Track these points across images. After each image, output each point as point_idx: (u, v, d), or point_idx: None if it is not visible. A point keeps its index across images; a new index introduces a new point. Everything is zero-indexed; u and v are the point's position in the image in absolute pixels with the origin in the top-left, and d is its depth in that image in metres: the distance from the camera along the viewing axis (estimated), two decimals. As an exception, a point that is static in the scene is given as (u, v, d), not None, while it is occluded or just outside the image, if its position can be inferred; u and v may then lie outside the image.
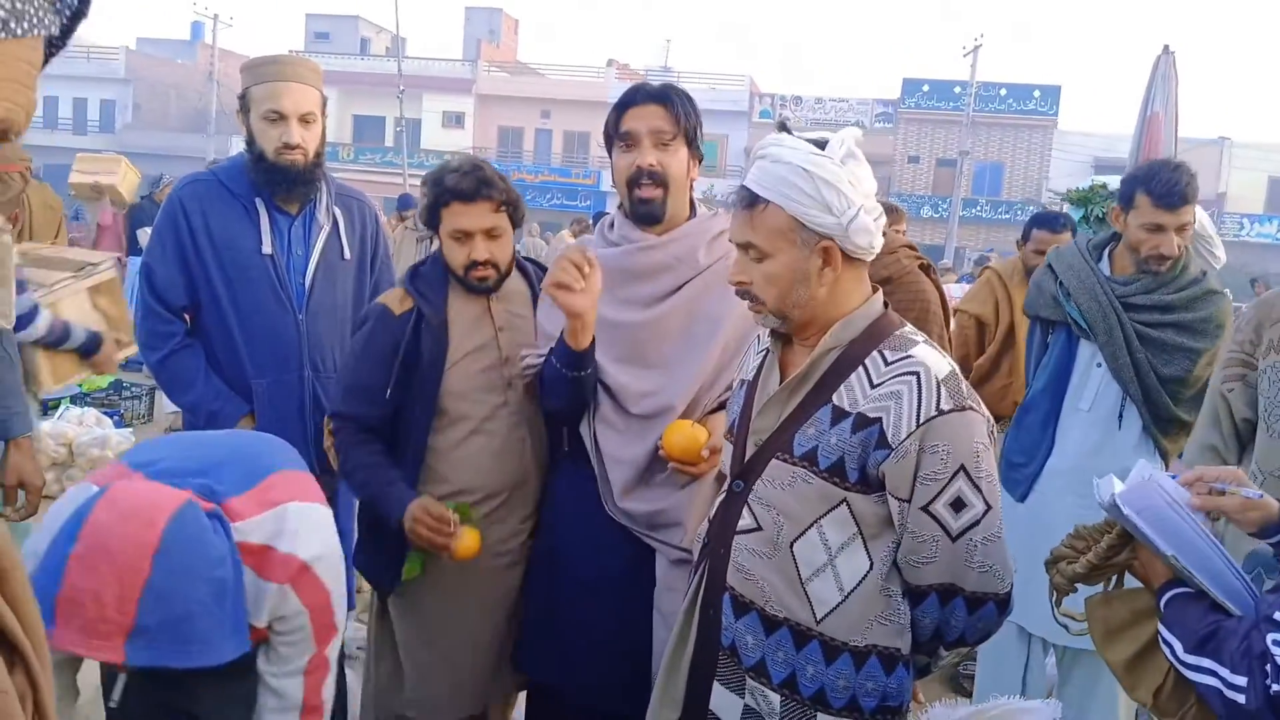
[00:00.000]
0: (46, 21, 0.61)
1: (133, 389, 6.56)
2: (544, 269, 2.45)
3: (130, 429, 5.73)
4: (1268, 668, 1.28)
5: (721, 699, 1.60)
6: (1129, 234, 2.66)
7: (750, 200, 1.55)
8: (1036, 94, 32.80)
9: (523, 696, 2.46)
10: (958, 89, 32.06)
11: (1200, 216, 3.23)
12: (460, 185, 2.14)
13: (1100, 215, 3.31)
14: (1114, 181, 3.44)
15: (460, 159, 2.26)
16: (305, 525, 1.68)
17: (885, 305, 1.63)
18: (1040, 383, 2.84)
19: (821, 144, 1.54)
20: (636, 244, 2.10)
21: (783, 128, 1.61)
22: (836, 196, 1.49)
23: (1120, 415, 2.69)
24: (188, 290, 2.56)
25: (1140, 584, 1.59)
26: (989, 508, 1.50)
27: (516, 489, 2.25)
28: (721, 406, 2.03)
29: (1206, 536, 1.45)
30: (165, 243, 2.56)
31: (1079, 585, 1.65)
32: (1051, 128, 32.67)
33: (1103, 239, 2.86)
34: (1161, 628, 1.45)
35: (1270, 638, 1.29)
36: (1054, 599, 1.69)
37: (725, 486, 1.69)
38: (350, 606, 2.22)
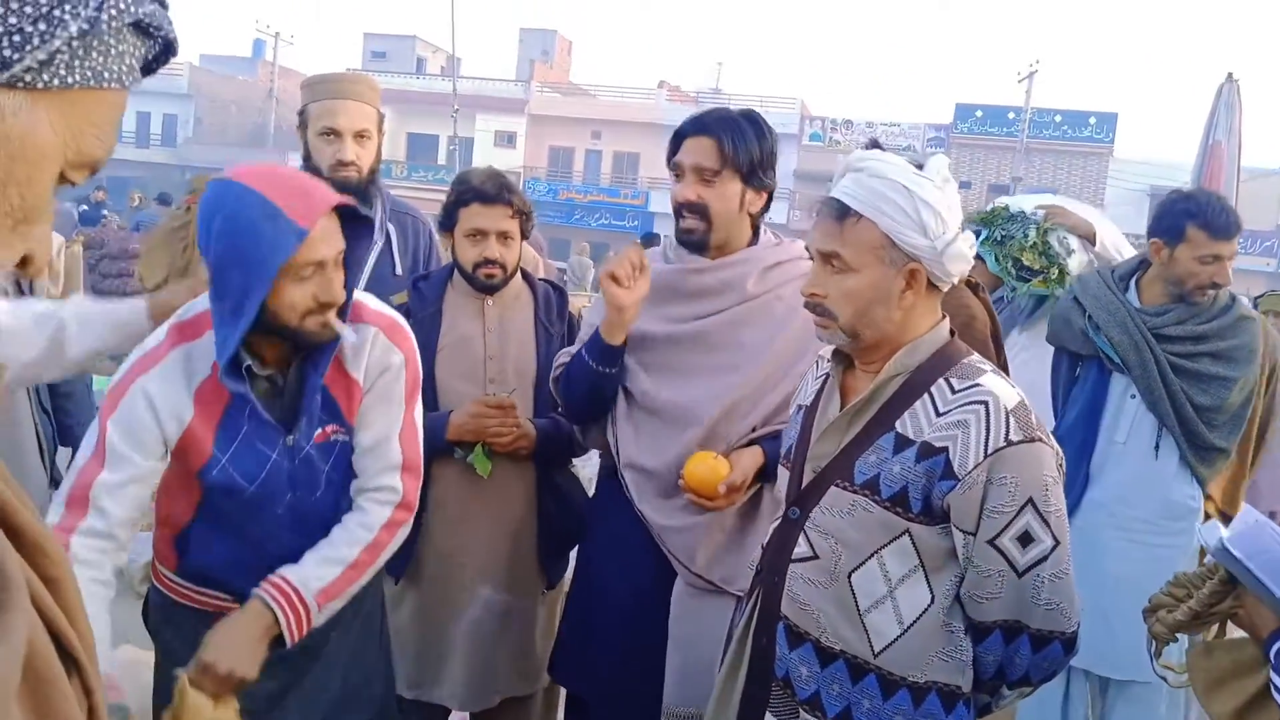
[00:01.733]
0: (130, 76, 0.69)
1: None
2: (557, 288, 2.60)
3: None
4: None
5: (773, 731, 1.55)
6: (1179, 266, 2.61)
7: (841, 212, 1.51)
8: (1092, 120, 32.34)
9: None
10: (1011, 114, 31.74)
11: (1104, 236, 3.20)
12: (484, 186, 2.31)
13: (999, 238, 3.19)
14: (1015, 203, 3.36)
15: (483, 169, 2.45)
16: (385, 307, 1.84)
17: (952, 333, 1.58)
18: (1072, 416, 2.79)
19: (919, 165, 1.51)
20: (685, 265, 2.11)
21: (875, 145, 1.60)
22: (934, 219, 1.46)
23: (1157, 446, 2.65)
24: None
25: (1243, 633, 1.54)
26: (1057, 543, 1.44)
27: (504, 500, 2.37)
28: (753, 443, 1.99)
29: None
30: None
31: (1179, 634, 1.61)
32: (1107, 155, 32.16)
33: (1129, 268, 2.80)
34: (1275, 676, 1.39)
35: None
36: (1153, 649, 1.65)
37: (781, 513, 1.64)
38: None
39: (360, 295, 1.76)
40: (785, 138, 34.12)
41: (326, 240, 1.55)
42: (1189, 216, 2.57)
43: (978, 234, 3.67)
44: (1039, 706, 2.81)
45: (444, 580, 2.36)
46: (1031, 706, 2.86)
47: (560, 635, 2.33)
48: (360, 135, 2.53)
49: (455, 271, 2.42)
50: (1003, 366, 3.10)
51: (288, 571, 1.66)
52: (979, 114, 33.05)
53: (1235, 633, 1.59)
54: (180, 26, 0.76)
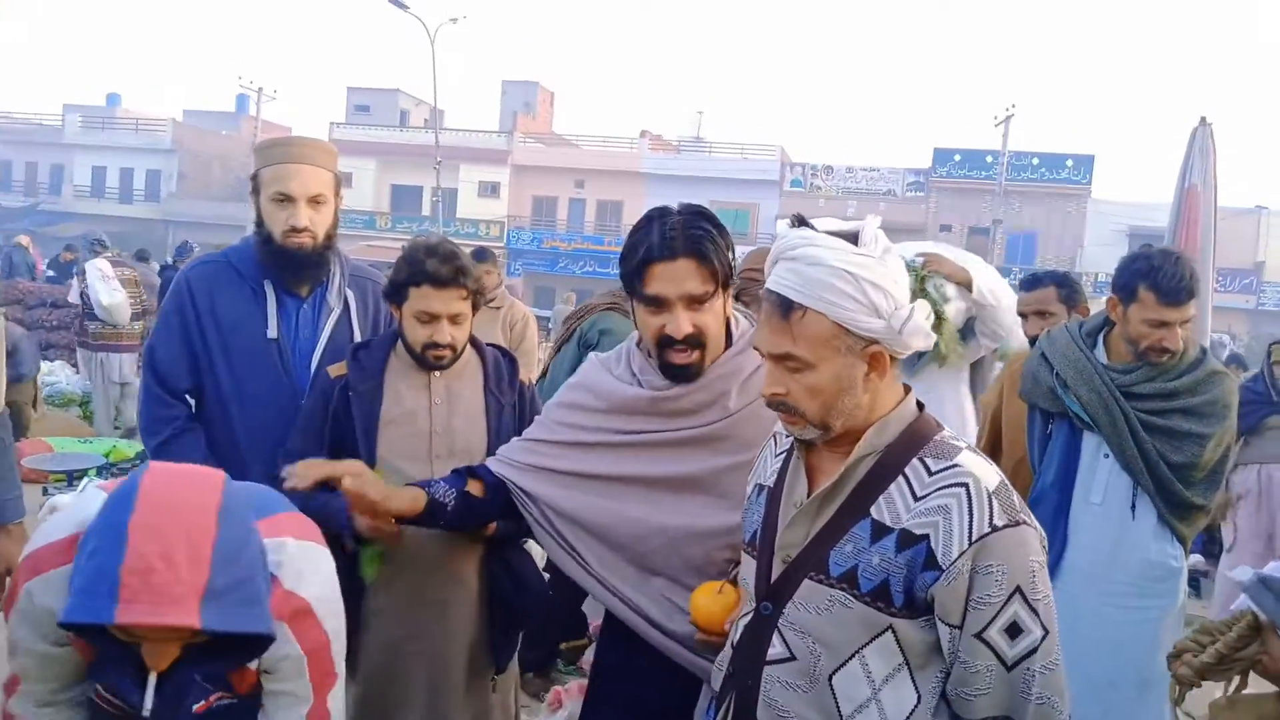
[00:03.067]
0: None
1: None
2: (507, 354, 2.47)
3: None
4: None
5: None
6: (1130, 327, 2.55)
7: (785, 308, 1.39)
8: (1069, 163, 32.77)
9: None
10: (990, 158, 32.10)
11: (980, 282, 3.16)
12: (438, 271, 2.18)
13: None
14: (908, 250, 3.30)
15: (437, 242, 2.29)
16: (309, 564, 1.61)
17: (920, 406, 1.48)
18: (1049, 477, 2.71)
19: (851, 237, 1.41)
20: (661, 392, 1.88)
21: (801, 222, 1.46)
22: (884, 298, 1.36)
23: (1134, 506, 2.57)
24: (191, 373, 2.48)
25: (1264, 689, 1.53)
26: (1046, 632, 1.33)
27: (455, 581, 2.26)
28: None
29: None
30: (170, 325, 2.48)
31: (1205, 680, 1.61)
32: (1085, 196, 32.55)
33: (1095, 324, 2.74)
34: None
35: None
36: (1175, 694, 1.63)
37: (751, 609, 1.52)
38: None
39: (286, 566, 1.56)
40: (767, 185, 34.40)
41: (154, 631, 1.36)
42: (1142, 277, 2.51)
43: None
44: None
45: (389, 671, 2.24)
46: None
47: None
48: (314, 200, 2.43)
49: (399, 341, 2.31)
50: None
51: None
52: (957, 157, 33.44)
53: (1256, 687, 1.59)
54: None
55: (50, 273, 14.23)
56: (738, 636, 1.53)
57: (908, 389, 1.49)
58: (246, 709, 1.65)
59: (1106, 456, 2.60)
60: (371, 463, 2.17)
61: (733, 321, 1.91)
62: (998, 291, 3.24)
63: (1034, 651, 1.33)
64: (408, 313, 2.25)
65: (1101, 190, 32.76)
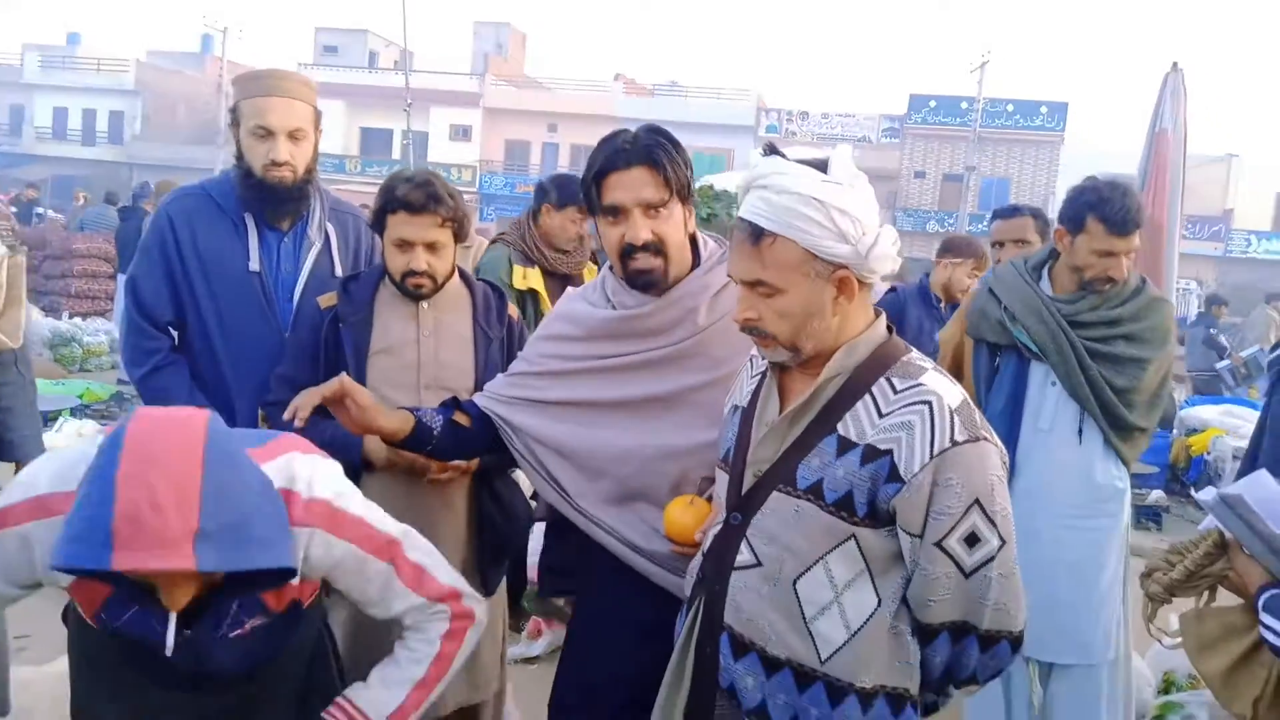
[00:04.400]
0: None
1: (133, 401, 6.51)
2: (496, 289, 2.51)
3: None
4: None
5: (719, 743, 1.52)
6: (1076, 256, 2.63)
7: (756, 234, 1.45)
8: (1044, 110, 32.78)
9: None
10: (964, 104, 32.04)
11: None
12: (409, 196, 2.22)
13: (705, 216, 3.11)
14: (720, 181, 3.30)
15: (416, 171, 2.32)
16: (319, 471, 1.62)
17: (890, 330, 1.55)
18: (997, 406, 2.79)
19: (821, 166, 1.46)
20: (631, 310, 1.93)
21: (773, 151, 1.50)
22: (851, 224, 1.41)
23: (1080, 431, 2.67)
24: (174, 305, 2.51)
25: (1230, 603, 1.63)
26: (1004, 542, 1.42)
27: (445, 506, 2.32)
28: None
29: None
30: (152, 257, 2.50)
31: (1175, 596, 1.70)
32: (1059, 143, 32.63)
33: (1040, 258, 2.82)
34: (1264, 616, 1.46)
35: None
36: (1147, 611, 1.72)
37: (721, 519, 1.60)
38: None
39: (299, 477, 1.57)
40: (742, 130, 34.17)
41: (157, 573, 1.37)
42: (1090, 208, 2.58)
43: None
44: (982, 695, 2.84)
45: None
46: (975, 696, 2.89)
47: (559, 669, 2.18)
48: (294, 134, 2.44)
49: (386, 273, 2.35)
50: None
51: (358, 698, 1.65)
52: (933, 104, 33.35)
53: (1224, 601, 1.67)
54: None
55: (14, 209, 13.98)
56: (708, 545, 1.61)
57: (878, 313, 1.55)
58: (285, 625, 1.66)
59: (1054, 385, 2.69)
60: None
61: (700, 243, 1.96)
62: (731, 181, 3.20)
63: (991, 560, 1.41)
64: (387, 241, 2.29)
65: (1075, 137, 32.83)
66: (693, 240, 1.95)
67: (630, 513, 1.91)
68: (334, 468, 1.68)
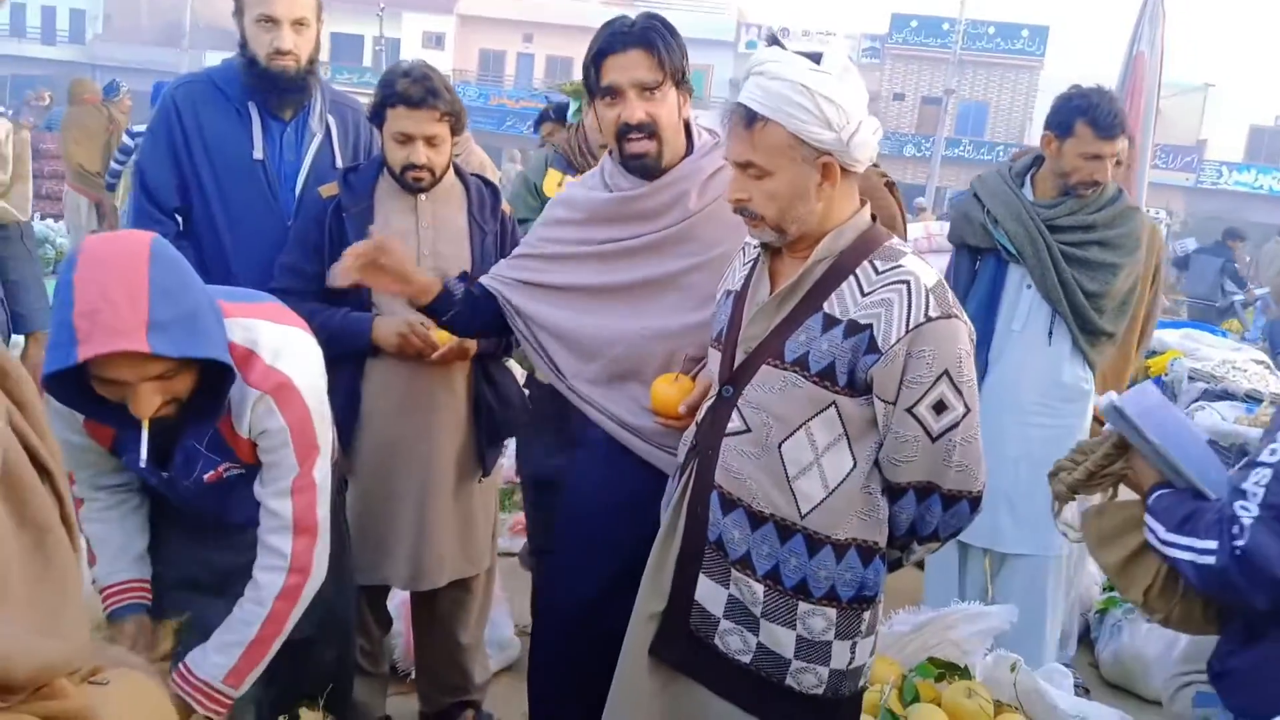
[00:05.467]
0: None
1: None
2: (489, 184, 2.60)
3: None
4: (1234, 529, 1.40)
5: (707, 590, 1.68)
6: (1064, 161, 2.76)
7: (749, 118, 1.56)
8: (1025, 33, 32.49)
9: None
10: (946, 25, 31.68)
11: None
12: (409, 91, 2.27)
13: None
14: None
15: (412, 64, 2.38)
16: (290, 345, 1.75)
17: (874, 218, 1.68)
18: (972, 308, 2.94)
19: (815, 58, 1.56)
20: (626, 192, 2.03)
21: (774, 42, 1.61)
22: (837, 112, 1.52)
23: (1050, 332, 2.83)
24: (180, 191, 2.57)
25: (1132, 499, 1.70)
26: (968, 410, 1.57)
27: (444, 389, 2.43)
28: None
29: (1192, 432, 1.60)
30: (159, 143, 2.55)
31: (1078, 494, 1.77)
32: (1038, 68, 32.44)
33: (1024, 165, 2.96)
34: (1147, 517, 1.56)
35: (1238, 505, 1.41)
36: (1055, 508, 1.81)
37: (714, 392, 1.74)
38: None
39: (263, 344, 1.70)
40: (721, 45, 33.62)
41: (122, 369, 1.51)
42: (1079, 113, 2.70)
43: (569, 107, 3.49)
44: (941, 579, 3.06)
45: (384, 469, 2.43)
46: (934, 579, 3.11)
47: (551, 551, 2.37)
48: (298, 23, 2.49)
49: (386, 167, 2.42)
50: None
51: (194, 666, 1.76)
52: (914, 24, 32.93)
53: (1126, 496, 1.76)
54: None
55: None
56: (701, 416, 1.76)
57: (864, 201, 1.68)
58: (254, 477, 1.81)
59: (1029, 287, 2.84)
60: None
61: (695, 132, 2.06)
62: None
63: (956, 425, 1.57)
64: (387, 135, 2.35)
65: (1055, 62, 32.68)
66: (688, 129, 2.04)
67: (620, 391, 2.04)
68: (307, 348, 1.80)
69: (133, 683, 0.77)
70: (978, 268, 2.95)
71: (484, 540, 2.63)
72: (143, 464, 1.67)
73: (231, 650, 1.76)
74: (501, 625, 3.14)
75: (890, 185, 3.82)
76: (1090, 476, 1.70)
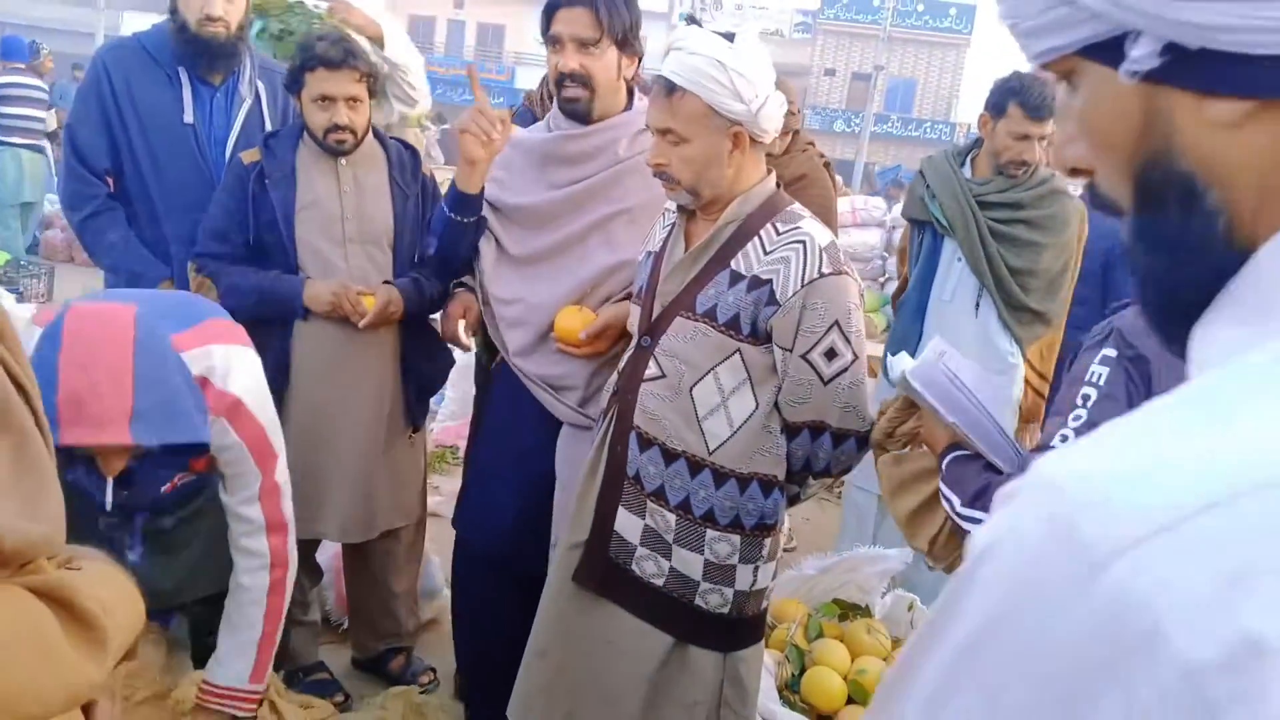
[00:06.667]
0: None
1: (32, 267, 6.42)
2: (409, 146, 2.68)
3: (30, 306, 5.65)
4: None
5: (625, 521, 1.84)
6: (996, 140, 2.94)
7: (669, 89, 1.72)
8: (953, 11, 33.09)
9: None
10: (877, 2, 32.11)
11: (393, 41, 3.01)
12: (328, 53, 2.34)
13: (279, 33, 3.13)
14: None
15: (328, 30, 2.45)
16: (236, 364, 1.84)
17: (778, 185, 1.84)
18: (913, 278, 3.14)
19: (730, 37, 1.71)
20: (564, 132, 2.23)
21: (692, 21, 1.77)
22: (747, 85, 1.67)
23: (977, 305, 3.00)
24: (110, 154, 2.62)
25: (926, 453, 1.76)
26: (856, 358, 1.75)
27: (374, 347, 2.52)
28: (628, 296, 2.19)
29: (981, 406, 1.63)
30: (89, 105, 2.59)
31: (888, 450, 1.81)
32: (965, 46, 33.13)
33: (966, 146, 3.16)
34: (942, 485, 1.61)
35: None
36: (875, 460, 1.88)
37: (634, 343, 1.90)
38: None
39: (215, 369, 1.78)
40: (654, 17, 33.52)
41: (98, 444, 1.57)
42: (1012, 94, 2.89)
43: (258, 27, 3.41)
44: (856, 529, 3.27)
45: (315, 427, 2.49)
46: (849, 529, 3.34)
47: (463, 491, 2.51)
48: (227, -11, 2.55)
49: (305, 132, 2.46)
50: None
51: (218, 679, 1.93)
52: (845, 0, 33.33)
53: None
54: None
55: None
56: (622, 365, 1.92)
57: (769, 170, 1.83)
58: (208, 482, 1.93)
59: (960, 260, 3.01)
60: (292, 243, 2.41)
61: (636, 96, 2.26)
62: (408, 51, 3.14)
63: (845, 371, 1.74)
64: (307, 99, 2.39)
65: (981, 40, 33.38)
66: (631, 92, 2.24)
67: (539, 354, 2.22)
68: (250, 363, 1.90)
69: (101, 568, 0.88)
70: (921, 240, 3.15)
71: (414, 493, 2.73)
72: (107, 509, 1.74)
73: (246, 652, 1.93)
74: (432, 576, 3.26)
75: (827, 165, 4.02)
76: (888, 436, 1.76)
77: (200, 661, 2.10)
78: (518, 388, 2.25)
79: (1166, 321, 0.56)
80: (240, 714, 1.96)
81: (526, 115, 2.59)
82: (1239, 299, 0.50)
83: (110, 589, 0.85)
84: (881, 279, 7.88)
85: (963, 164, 3.08)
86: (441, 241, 2.30)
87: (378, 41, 2.93)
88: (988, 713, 0.44)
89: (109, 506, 1.73)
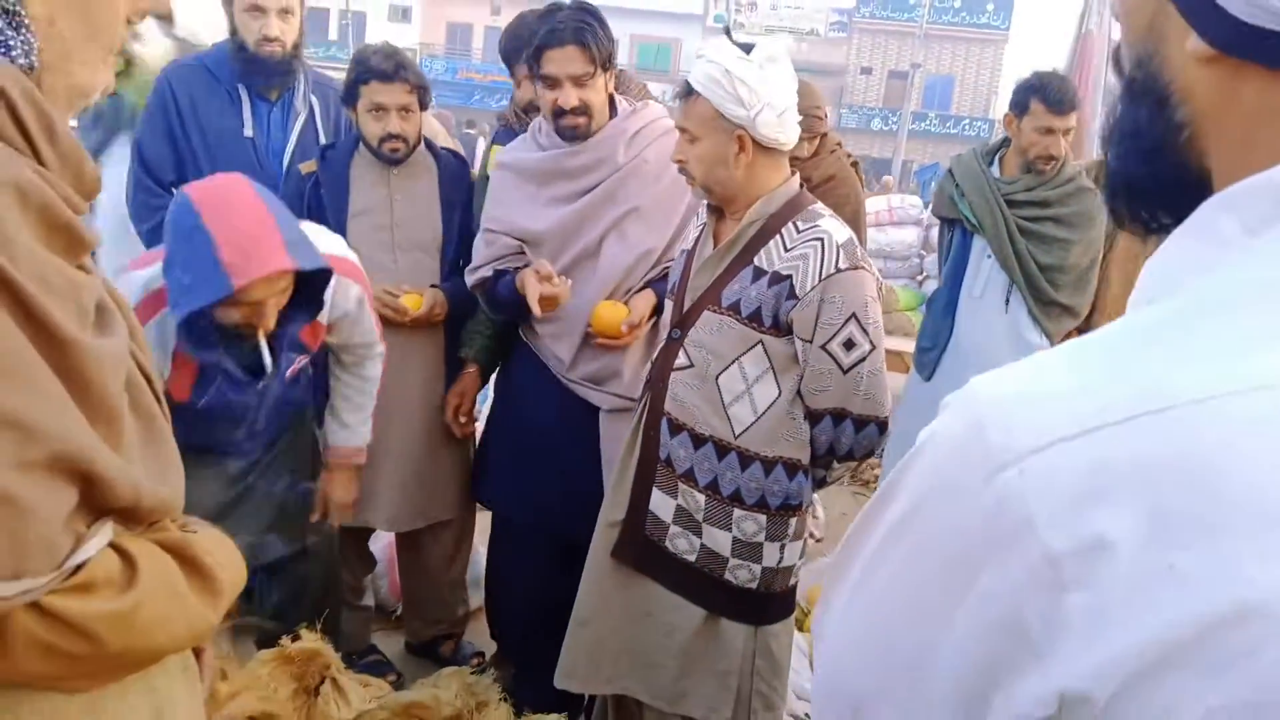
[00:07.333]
0: None
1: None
2: (458, 156, 2.84)
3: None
4: None
5: (659, 501, 1.97)
6: (1022, 137, 3.03)
7: (688, 91, 1.87)
8: (990, 7, 32.85)
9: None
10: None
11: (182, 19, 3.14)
12: (381, 65, 2.49)
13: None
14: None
15: (381, 45, 2.62)
16: (320, 233, 2.13)
17: (801, 186, 1.96)
18: (944, 275, 3.24)
19: (747, 49, 1.84)
20: (562, 149, 2.37)
21: (726, 33, 1.91)
22: (749, 93, 1.80)
23: (1007, 300, 3.09)
24: (175, 167, 2.80)
25: None
26: (874, 348, 1.86)
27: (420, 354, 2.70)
28: (649, 284, 2.37)
29: None
30: (155, 121, 2.78)
31: None
32: (1003, 42, 32.85)
33: (995, 146, 3.25)
34: None
35: None
36: None
37: (666, 335, 2.03)
38: None
39: (312, 240, 1.95)
40: (690, 20, 33.72)
41: (264, 288, 1.79)
42: (1033, 92, 2.99)
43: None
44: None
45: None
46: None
47: (484, 465, 2.68)
48: (284, 11, 2.72)
49: (360, 143, 2.61)
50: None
51: (351, 442, 2.41)
52: (881, -2, 33.21)
53: None
54: None
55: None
56: (655, 356, 2.05)
57: (794, 173, 1.96)
58: (314, 365, 2.23)
59: (989, 257, 3.11)
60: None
61: (617, 100, 2.42)
62: (199, 29, 3.24)
63: (863, 360, 1.85)
64: (362, 111, 2.53)
65: (1019, 36, 33.07)
66: (612, 100, 2.39)
67: (581, 358, 2.40)
68: (328, 232, 2.23)
69: (213, 533, 1.02)
70: (951, 238, 3.25)
71: (458, 488, 2.85)
72: (267, 373, 1.97)
73: (366, 421, 2.42)
74: (479, 566, 3.41)
75: (854, 164, 4.11)
76: None
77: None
78: (536, 363, 2.43)
79: (1125, 205, 0.63)
80: (360, 463, 2.43)
81: (507, 134, 2.72)
82: (1183, 245, 0.56)
83: (221, 550, 0.99)
84: (920, 277, 7.87)
85: (991, 163, 3.17)
86: (502, 312, 2.50)
87: (167, 19, 2.95)
88: (903, 580, 0.57)
89: (270, 367, 1.96)
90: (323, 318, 2.07)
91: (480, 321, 2.66)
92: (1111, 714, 0.48)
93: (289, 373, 2.07)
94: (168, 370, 1.90)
